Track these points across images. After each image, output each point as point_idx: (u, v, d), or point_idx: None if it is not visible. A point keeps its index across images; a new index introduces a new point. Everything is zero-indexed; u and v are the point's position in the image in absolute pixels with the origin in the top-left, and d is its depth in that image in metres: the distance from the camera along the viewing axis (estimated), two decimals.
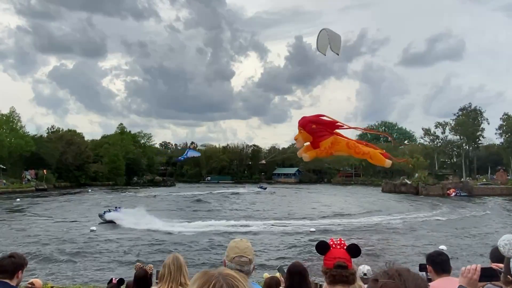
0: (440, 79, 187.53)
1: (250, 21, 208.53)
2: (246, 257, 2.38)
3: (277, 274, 5.33)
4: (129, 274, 12.88)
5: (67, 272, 16.39)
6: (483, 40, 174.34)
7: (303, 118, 6.42)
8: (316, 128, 6.33)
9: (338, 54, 6.86)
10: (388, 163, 6.83)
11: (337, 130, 6.59)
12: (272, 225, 29.73)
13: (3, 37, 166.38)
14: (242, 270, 2.33)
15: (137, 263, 5.66)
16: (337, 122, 6.58)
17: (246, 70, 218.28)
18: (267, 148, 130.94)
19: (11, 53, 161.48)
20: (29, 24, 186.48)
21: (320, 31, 6.82)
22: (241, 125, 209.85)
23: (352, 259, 2.56)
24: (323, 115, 6.49)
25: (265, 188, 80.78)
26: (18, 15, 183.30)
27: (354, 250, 2.54)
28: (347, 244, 2.58)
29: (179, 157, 53.34)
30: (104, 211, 31.21)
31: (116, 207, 32.70)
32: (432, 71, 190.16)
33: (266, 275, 5.19)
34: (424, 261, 3.45)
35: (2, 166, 68.20)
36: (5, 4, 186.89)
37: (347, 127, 6.85)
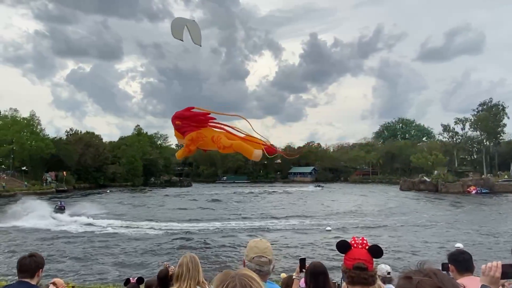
0: (459, 74, 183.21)
1: (263, 19, 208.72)
2: (266, 257, 2.36)
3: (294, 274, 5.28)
4: (145, 274, 13.03)
5: (88, 272, 16.67)
6: (503, 33, 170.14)
7: (174, 114, 5.93)
8: (181, 123, 5.84)
9: (200, 45, 6.36)
10: (256, 155, 5.58)
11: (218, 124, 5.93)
12: (289, 224, 29.69)
13: (22, 42, 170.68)
14: (261, 270, 2.31)
15: (164, 262, 5.71)
16: (209, 113, 5.88)
17: (261, 69, 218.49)
18: (282, 147, 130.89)
19: (29, 57, 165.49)
20: (46, 29, 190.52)
21: (173, 20, 6.25)
22: (256, 125, 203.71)
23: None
24: (193, 107, 5.85)
25: (322, 187, 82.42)
26: (36, 20, 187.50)
27: (376, 251, 2.46)
28: (369, 244, 2.50)
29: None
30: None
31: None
32: (450, 66, 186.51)
33: (284, 275, 5.16)
34: (446, 261, 3.37)
35: (24, 168, 70.00)
36: (23, 10, 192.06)
37: (222, 122, 6.05)
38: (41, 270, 3.28)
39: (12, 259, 17.26)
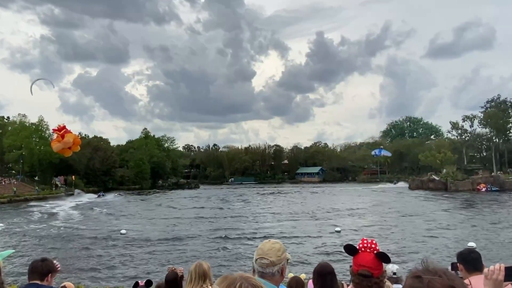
0: (469, 70, 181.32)
1: (269, 20, 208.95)
2: (268, 259, 2.32)
3: (302, 275, 5.26)
4: (156, 277, 13.09)
5: (100, 274, 16.79)
6: None
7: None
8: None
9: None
10: (55, 147, 10.18)
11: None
12: (296, 223, 29.65)
13: (28, 48, 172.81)
14: (264, 272, 2.30)
15: (170, 266, 5.73)
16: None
17: (267, 70, 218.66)
18: (289, 148, 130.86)
19: (37, 63, 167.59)
20: (53, 33, 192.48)
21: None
22: (263, 126, 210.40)
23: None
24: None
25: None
26: (42, 25, 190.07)
27: (383, 257, 2.41)
28: (378, 248, 2.44)
29: (375, 151, 66.36)
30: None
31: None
32: (460, 62, 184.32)
33: (291, 274, 5.14)
34: (455, 260, 3.35)
35: (36, 179, 70.48)
36: (30, 15, 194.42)
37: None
38: (50, 275, 3.31)
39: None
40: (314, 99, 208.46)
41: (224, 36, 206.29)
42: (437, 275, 1.28)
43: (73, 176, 73.31)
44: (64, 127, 10.37)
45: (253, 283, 1.21)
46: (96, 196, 65.94)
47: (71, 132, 10.46)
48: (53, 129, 11.80)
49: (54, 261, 3.56)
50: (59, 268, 3.52)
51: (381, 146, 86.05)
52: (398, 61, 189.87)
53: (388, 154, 76.43)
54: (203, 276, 3.42)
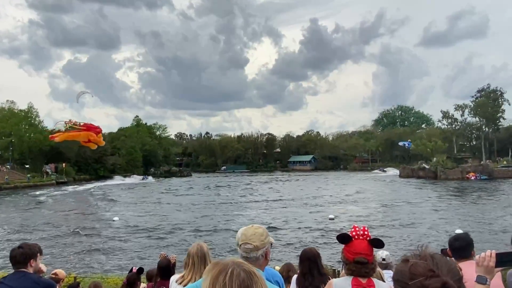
0: (462, 59, 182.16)
1: (262, 6, 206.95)
2: (251, 244, 2.35)
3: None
4: (148, 264, 13.13)
5: (91, 262, 16.80)
6: (507, 17, 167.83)
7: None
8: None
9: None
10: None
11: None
12: (288, 211, 29.87)
13: (16, 33, 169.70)
14: (248, 257, 2.33)
15: (161, 253, 5.73)
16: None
17: (260, 57, 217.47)
18: (282, 136, 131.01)
19: (25, 48, 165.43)
20: (41, 18, 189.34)
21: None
22: (256, 114, 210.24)
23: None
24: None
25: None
26: (30, 9, 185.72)
27: (377, 243, 2.48)
28: (370, 235, 2.51)
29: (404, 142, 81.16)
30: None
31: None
32: (453, 51, 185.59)
33: (277, 268, 5.15)
34: (445, 246, 3.39)
35: (26, 166, 69.61)
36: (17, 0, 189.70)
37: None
38: (33, 259, 3.30)
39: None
40: (307, 87, 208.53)
41: (217, 22, 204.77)
42: (424, 259, 1.33)
43: (64, 164, 72.69)
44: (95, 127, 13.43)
45: (245, 269, 1.21)
46: (141, 178, 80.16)
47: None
48: (85, 124, 13.94)
49: (35, 244, 3.54)
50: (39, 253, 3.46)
51: (409, 140, 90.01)
52: (392, 50, 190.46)
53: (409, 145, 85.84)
54: (204, 259, 3.21)
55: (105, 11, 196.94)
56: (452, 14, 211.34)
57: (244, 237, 2.42)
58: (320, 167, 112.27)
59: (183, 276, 3.25)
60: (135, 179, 78.95)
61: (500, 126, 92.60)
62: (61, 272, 5.17)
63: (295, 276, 3.81)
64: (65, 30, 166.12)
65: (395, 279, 1.42)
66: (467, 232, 3.74)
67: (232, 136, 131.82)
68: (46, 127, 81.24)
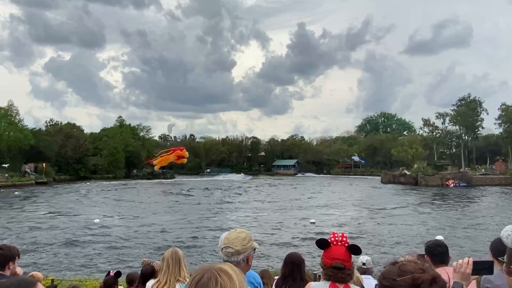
0: (444, 67, 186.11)
1: (250, 9, 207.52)
2: (233, 248, 2.38)
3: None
4: (127, 268, 12.94)
5: (69, 265, 16.46)
6: (489, 27, 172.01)
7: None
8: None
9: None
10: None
11: None
12: (270, 216, 29.91)
13: None
14: (229, 261, 2.35)
15: (144, 259, 5.65)
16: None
17: (247, 60, 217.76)
18: (267, 140, 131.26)
19: (6, 44, 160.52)
20: (23, 13, 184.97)
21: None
22: (241, 117, 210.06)
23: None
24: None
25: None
26: (12, 4, 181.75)
27: (354, 250, 2.54)
28: (348, 241, 2.56)
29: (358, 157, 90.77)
30: None
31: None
32: (437, 60, 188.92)
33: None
34: (423, 252, 3.47)
35: (5, 166, 67.66)
36: None
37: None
38: (11, 262, 3.23)
39: None
40: (293, 92, 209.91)
41: (204, 23, 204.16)
42: (414, 262, 1.40)
43: (44, 164, 71.10)
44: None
45: (209, 276, 1.22)
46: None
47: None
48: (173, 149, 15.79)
49: (14, 246, 3.46)
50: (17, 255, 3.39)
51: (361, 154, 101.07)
52: (377, 56, 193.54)
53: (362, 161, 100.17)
54: (178, 263, 3.27)
55: (90, 8, 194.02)
56: (437, 22, 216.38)
57: (226, 241, 2.44)
58: (303, 172, 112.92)
59: (158, 280, 3.26)
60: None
61: (479, 135, 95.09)
62: (38, 274, 5.08)
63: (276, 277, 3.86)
64: (48, 26, 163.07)
65: (380, 279, 1.42)
66: (442, 239, 3.82)
67: (217, 139, 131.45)
68: (27, 125, 79.74)
